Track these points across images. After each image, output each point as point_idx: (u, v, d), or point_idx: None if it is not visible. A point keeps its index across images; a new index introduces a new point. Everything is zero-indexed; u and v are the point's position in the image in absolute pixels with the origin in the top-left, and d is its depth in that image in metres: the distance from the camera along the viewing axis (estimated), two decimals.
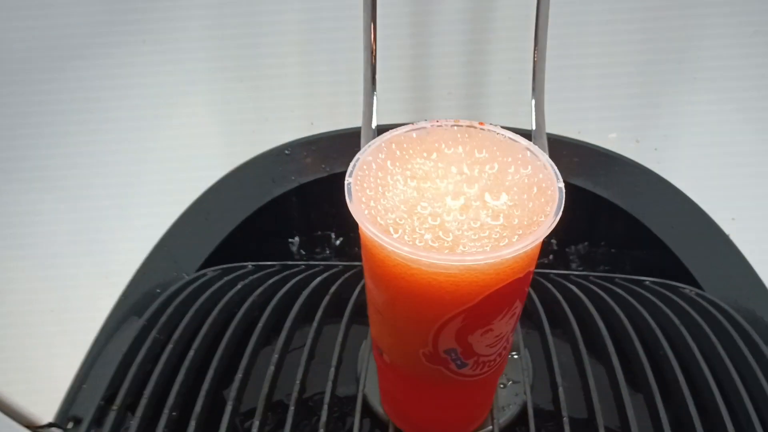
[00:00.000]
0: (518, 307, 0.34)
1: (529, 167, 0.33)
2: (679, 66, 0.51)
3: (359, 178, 0.32)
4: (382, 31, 0.47)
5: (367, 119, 0.43)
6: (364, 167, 0.32)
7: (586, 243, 0.62)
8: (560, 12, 0.51)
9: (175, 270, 0.51)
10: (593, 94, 0.55)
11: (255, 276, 0.50)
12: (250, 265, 0.52)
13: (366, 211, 0.30)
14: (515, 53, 0.55)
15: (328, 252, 0.64)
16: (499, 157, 0.33)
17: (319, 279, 0.49)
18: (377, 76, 0.45)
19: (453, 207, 0.31)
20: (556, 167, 0.32)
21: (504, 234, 0.30)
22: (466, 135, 0.35)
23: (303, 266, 0.52)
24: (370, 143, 0.34)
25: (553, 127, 0.56)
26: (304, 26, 0.56)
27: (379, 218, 0.30)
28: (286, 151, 0.58)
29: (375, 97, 0.43)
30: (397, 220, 0.30)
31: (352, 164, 0.32)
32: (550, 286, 0.49)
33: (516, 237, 0.30)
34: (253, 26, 0.55)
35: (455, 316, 0.31)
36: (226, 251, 0.54)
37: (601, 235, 0.60)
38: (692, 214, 0.51)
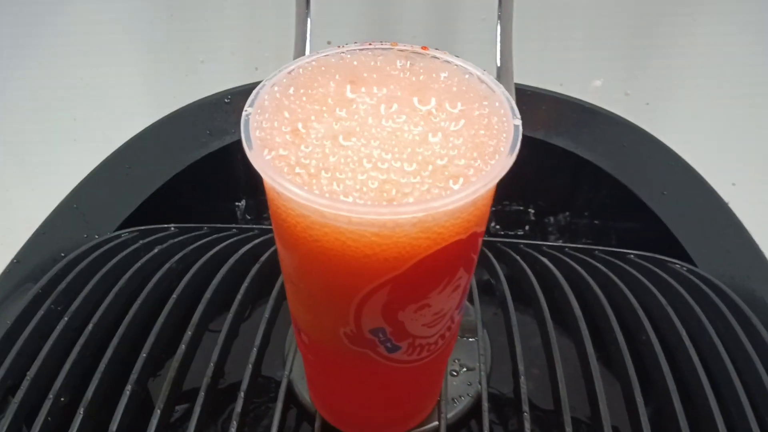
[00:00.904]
0: (463, 278, 0.27)
1: (482, 102, 0.26)
2: (675, 10, 0.44)
3: (259, 111, 0.25)
4: None
5: (300, 47, 0.36)
6: (270, 98, 0.26)
7: (567, 213, 0.55)
8: None
9: (86, 231, 0.44)
10: (578, 40, 0.48)
11: (176, 240, 0.43)
12: (172, 227, 0.45)
13: (262, 147, 0.24)
14: None
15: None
16: (444, 90, 0.27)
17: (250, 245, 0.42)
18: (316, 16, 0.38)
19: (378, 149, 0.24)
20: (513, 101, 0.26)
21: (441, 182, 0.23)
22: (406, 61, 0.28)
23: (234, 230, 0.45)
24: (281, 68, 0.27)
25: (532, 78, 0.49)
26: None
27: (279, 160, 0.24)
28: (226, 99, 0.51)
29: (309, 21, 0.35)
30: (303, 161, 0.23)
31: (254, 92, 0.25)
32: (518, 257, 0.42)
33: (456, 185, 0.23)
34: None
35: (379, 287, 0.25)
36: (151, 214, 0.47)
37: (584, 204, 0.54)
38: (687, 178, 0.45)
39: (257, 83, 0.26)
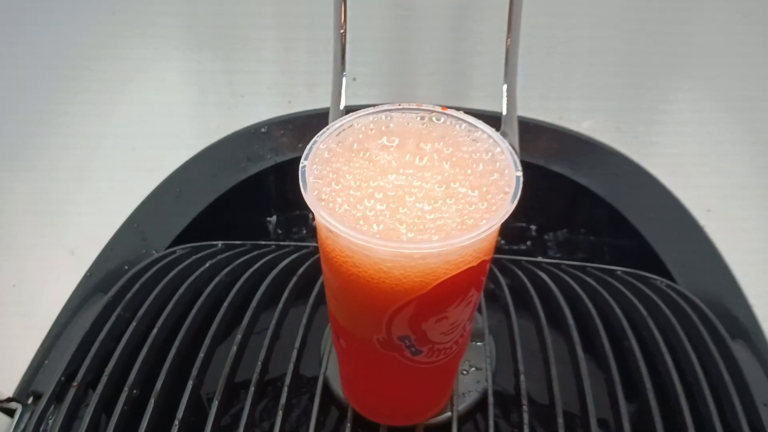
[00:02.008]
0: (474, 296, 0.33)
1: (489, 154, 0.32)
2: (663, 56, 0.50)
3: (314, 163, 0.31)
4: (366, 10, 0.46)
5: (336, 100, 0.42)
6: (319, 152, 0.32)
7: (565, 230, 0.61)
8: (547, 1, 0.50)
9: (144, 248, 0.50)
10: (576, 82, 0.54)
11: (224, 255, 0.49)
12: (220, 243, 0.51)
13: (315, 193, 0.30)
14: (501, 34, 0.54)
15: (305, 231, 0.63)
16: (460, 144, 0.33)
17: (288, 260, 0.49)
18: (347, 57, 0.44)
19: (407, 195, 0.30)
20: (516, 156, 0.32)
21: (457, 223, 0.29)
22: (427, 120, 0.34)
23: (273, 246, 0.51)
24: (327, 127, 0.33)
25: (535, 113, 0.55)
26: (282, 1, 0.54)
27: (330, 204, 0.30)
28: (263, 129, 0.57)
29: (344, 78, 0.42)
30: (347, 206, 0.30)
31: (308, 147, 0.32)
32: (520, 273, 0.48)
33: (468, 228, 0.29)
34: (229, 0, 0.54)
35: (407, 303, 0.31)
36: (199, 230, 0.54)
37: (580, 223, 0.60)
38: (669, 204, 0.51)
39: (291, 115, 0.32)
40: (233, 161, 0.56)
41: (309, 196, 0.29)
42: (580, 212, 0.58)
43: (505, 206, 0.29)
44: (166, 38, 0.53)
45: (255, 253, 0.50)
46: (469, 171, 0.32)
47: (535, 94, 0.51)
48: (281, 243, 0.51)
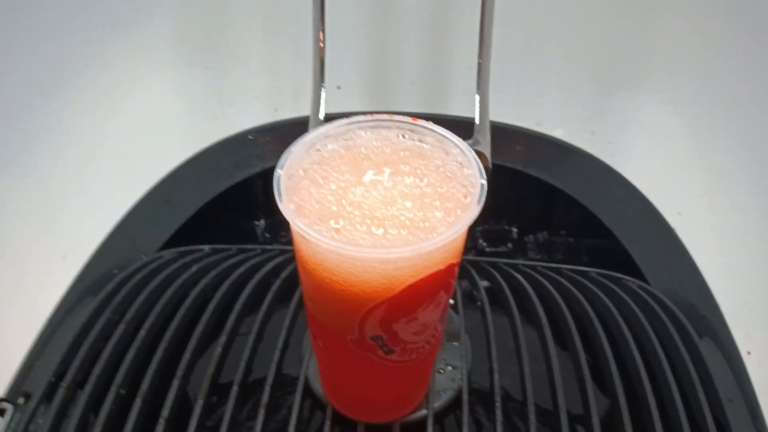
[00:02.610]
0: (443, 298, 0.35)
1: (457, 164, 0.34)
2: (634, 64, 0.52)
3: (289, 172, 0.33)
4: (349, 18, 0.48)
5: (315, 110, 0.44)
6: (295, 162, 0.33)
7: (545, 232, 0.63)
8: (522, 12, 0.51)
9: (134, 252, 0.52)
10: (553, 89, 0.56)
11: (210, 259, 0.51)
12: (206, 248, 0.53)
13: (289, 201, 0.31)
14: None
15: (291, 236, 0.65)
16: (428, 154, 0.34)
17: (272, 263, 0.50)
18: (332, 66, 0.46)
19: (377, 203, 0.32)
20: (481, 165, 0.33)
21: (424, 229, 0.31)
22: (397, 130, 0.35)
23: (258, 250, 0.53)
24: (302, 137, 0.34)
25: (514, 119, 0.57)
26: (268, 13, 0.56)
27: (303, 211, 0.31)
28: (250, 137, 0.58)
29: (323, 89, 0.43)
30: (319, 214, 0.31)
31: (283, 157, 0.33)
32: (497, 274, 0.50)
33: (434, 233, 0.31)
34: (217, 12, 0.56)
35: (377, 306, 0.32)
36: (188, 235, 0.55)
37: (559, 225, 0.61)
38: (641, 207, 0.52)
39: (276, 122, 0.33)
40: (221, 168, 0.58)
41: (283, 205, 0.31)
42: (558, 215, 0.59)
43: (469, 213, 0.31)
44: (156, 51, 0.55)
45: (241, 256, 0.52)
46: (436, 180, 0.33)
47: (512, 101, 0.53)
48: (266, 247, 0.53)
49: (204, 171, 0.57)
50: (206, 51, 0.55)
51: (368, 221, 0.31)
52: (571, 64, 0.53)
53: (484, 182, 0.32)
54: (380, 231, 0.31)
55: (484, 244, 0.64)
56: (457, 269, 0.35)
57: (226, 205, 0.58)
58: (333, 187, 0.32)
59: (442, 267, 0.32)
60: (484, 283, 0.50)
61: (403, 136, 0.35)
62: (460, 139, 0.35)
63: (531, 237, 0.62)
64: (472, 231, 0.64)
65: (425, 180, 0.33)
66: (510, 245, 0.63)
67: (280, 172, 0.32)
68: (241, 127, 0.56)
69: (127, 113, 0.54)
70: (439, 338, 0.39)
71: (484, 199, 0.31)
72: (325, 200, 0.32)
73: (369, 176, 0.33)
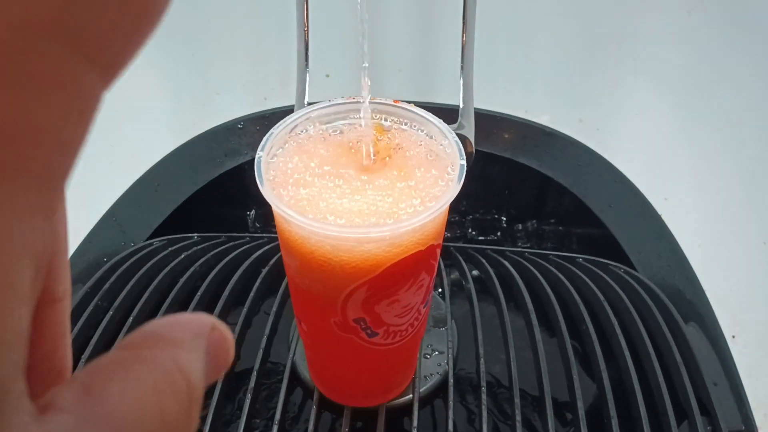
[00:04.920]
0: (425, 280, 0.35)
1: (438, 145, 0.34)
2: (620, 49, 0.52)
3: (269, 154, 0.33)
4: (336, 6, 0.48)
5: (300, 95, 0.44)
6: (276, 143, 0.33)
7: (534, 221, 0.63)
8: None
9: (123, 240, 0.52)
10: (540, 77, 0.56)
11: (199, 247, 0.51)
12: (195, 236, 0.53)
13: (271, 181, 0.32)
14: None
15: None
16: (410, 136, 0.35)
17: (260, 251, 0.50)
18: (321, 55, 0.46)
19: (357, 183, 0.32)
20: (461, 145, 0.33)
21: (404, 209, 0.31)
22: (379, 113, 0.36)
23: (247, 238, 0.53)
24: (283, 120, 0.35)
25: (502, 107, 0.57)
26: (255, 1, 0.56)
27: (284, 192, 0.32)
28: (239, 125, 0.59)
29: (308, 74, 0.43)
30: (300, 195, 0.31)
31: (264, 139, 0.33)
32: (484, 261, 0.50)
33: (414, 212, 0.31)
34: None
35: (359, 287, 0.32)
36: (178, 223, 0.55)
37: (548, 213, 0.61)
38: (629, 193, 0.53)
39: (266, 111, 0.34)
40: (211, 156, 0.58)
41: (264, 187, 0.31)
42: (547, 202, 0.59)
43: (448, 192, 0.31)
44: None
45: (230, 244, 0.52)
46: (418, 161, 0.33)
47: (501, 89, 0.53)
48: (255, 235, 0.53)
49: (194, 159, 0.57)
50: (192, 39, 0.55)
51: (350, 201, 0.31)
52: (558, 50, 0.53)
53: (464, 163, 0.32)
54: (362, 210, 0.31)
55: (474, 233, 0.64)
56: (438, 251, 0.35)
57: (215, 193, 0.58)
58: (315, 167, 0.33)
59: (422, 248, 0.32)
60: (471, 270, 0.50)
61: (385, 119, 0.35)
62: (440, 120, 0.35)
63: (520, 226, 0.63)
64: (461, 220, 0.64)
65: (409, 162, 0.33)
66: (499, 234, 0.63)
67: (261, 154, 0.32)
68: (229, 116, 0.57)
69: (114, 100, 0.54)
70: (423, 321, 0.39)
71: (463, 178, 0.32)
72: (307, 180, 0.32)
73: (353, 157, 0.33)
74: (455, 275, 0.52)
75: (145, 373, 0.14)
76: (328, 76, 0.58)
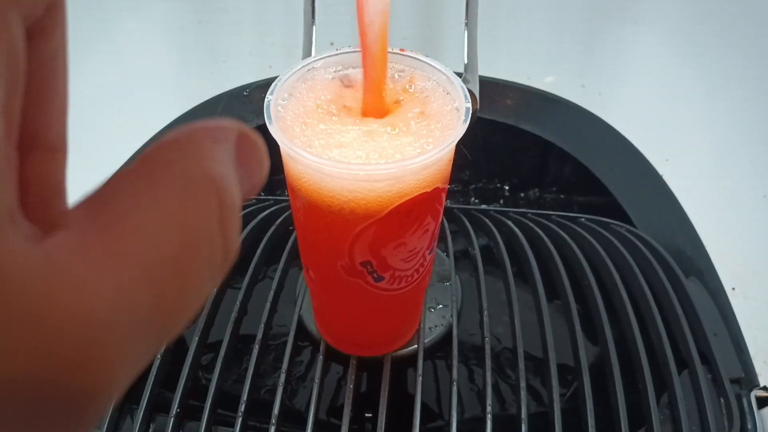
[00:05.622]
0: (431, 224, 0.36)
1: (444, 91, 0.35)
2: (623, 13, 0.52)
3: (278, 98, 0.34)
4: None
5: (307, 51, 0.44)
6: (284, 88, 0.34)
7: (536, 189, 0.63)
8: None
9: None
10: (542, 43, 0.56)
11: None
12: None
13: (280, 123, 0.32)
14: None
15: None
16: (417, 82, 0.35)
17: (266, 212, 0.51)
18: (323, 20, 0.46)
19: (366, 126, 0.33)
20: (467, 90, 0.34)
21: (413, 149, 0.32)
22: (388, 61, 0.36)
23: (254, 200, 0.54)
24: (292, 66, 0.35)
25: (505, 74, 0.58)
26: None
27: (292, 132, 0.32)
28: (245, 92, 0.59)
29: (314, 30, 0.44)
30: (308, 135, 0.32)
31: (274, 84, 0.34)
32: (487, 221, 0.51)
33: (420, 151, 0.32)
34: None
35: (366, 228, 0.33)
36: None
37: (551, 180, 0.62)
38: (630, 156, 0.53)
39: (272, 78, 0.34)
40: None
41: (272, 127, 0.31)
42: (549, 168, 0.60)
43: (454, 132, 0.31)
44: (148, 5, 0.55)
45: None
46: (425, 105, 0.34)
47: (503, 56, 0.53)
48: (260, 197, 0.54)
49: None
50: (198, 5, 0.55)
51: (360, 142, 0.32)
52: (560, 17, 0.54)
53: (469, 105, 0.33)
54: (371, 150, 0.31)
55: (476, 200, 0.65)
56: (444, 195, 0.36)
57: None
58: (324, 111, 0.33)
59: (428, 189, 0.33)
60: (473, 228, 0.51)
61: (393, 66, 0.36)
62: (446, 67, 0.35)
63: (522, 193, 0.63)
64: (465, 189, 0.65)
65: (416, 107, 0.34)
66: (502, 202, 0.64)
67: (270, 98, 0.33)
68: (235, 83, 0.57)
69: (122, 66, 0.54)
70: (428, 269, 0.39)
71: (468, 119, 0.32)
72: (316, 122, 0.33)
73: (357, 102, 0.34)
74: (459, 237, 0.53)
75: (165, 180, 0.11)
76: (332, 44, 0.58)
